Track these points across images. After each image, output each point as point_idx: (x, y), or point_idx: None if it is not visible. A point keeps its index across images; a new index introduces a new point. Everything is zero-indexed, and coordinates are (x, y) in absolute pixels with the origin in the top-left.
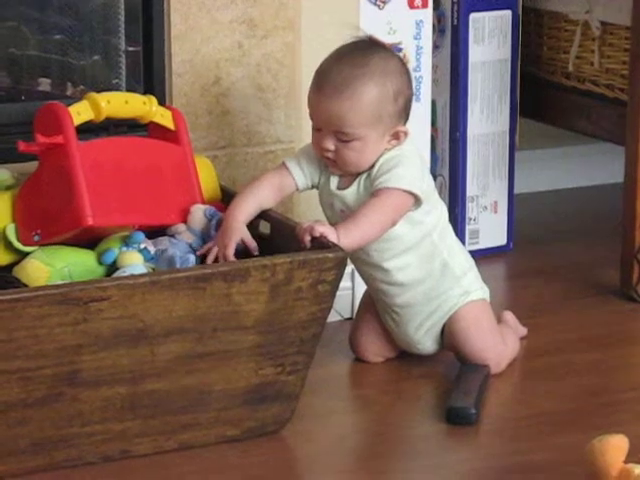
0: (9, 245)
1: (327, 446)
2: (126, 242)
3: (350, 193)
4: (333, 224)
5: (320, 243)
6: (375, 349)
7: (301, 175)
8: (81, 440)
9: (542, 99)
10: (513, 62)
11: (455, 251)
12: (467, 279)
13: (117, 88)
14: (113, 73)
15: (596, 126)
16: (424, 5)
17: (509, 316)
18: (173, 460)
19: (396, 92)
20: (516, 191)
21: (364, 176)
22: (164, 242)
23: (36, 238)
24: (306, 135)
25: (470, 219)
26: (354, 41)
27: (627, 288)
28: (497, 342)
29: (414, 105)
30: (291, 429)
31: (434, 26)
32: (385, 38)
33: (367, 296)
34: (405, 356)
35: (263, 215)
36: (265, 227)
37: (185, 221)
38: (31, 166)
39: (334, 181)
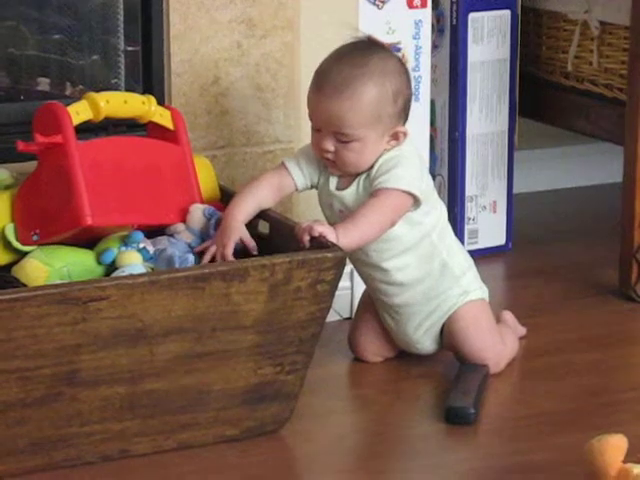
0: (8, 245)
1: (326, 446)
2: (125, 242)
3: (349, 193)
4: (332, 224)
5: (319, 243)
6: (374, 349)
7: (300, 175)
8: (80, 440)
9: (541, 99)
10: (512, 62)
11: (454, 251)
12: (466, 279)
13: (116, 88)
14: (112, 73)
15: (595, 126)
16: (423, 5)
17: (508, 316)
18: (172, 460)
19: (395, 92)
20: (515, 191)
21: (363, 176)
22: (163, 242)
23: (35, 238)
24: (305, 135)
25: (469, 219)
26: (353, 41)
27: (626, 288)
28: (496, 342)
29: (413, 105)
30: (290, 429)
31: (433, 26)
32: (384, 38)
33: (366, 296)
34: (404, 356)
35: (262, 215)
36: (264, 227)
37: (184, 221)
38: (30, 166)
39: (333, 181)
